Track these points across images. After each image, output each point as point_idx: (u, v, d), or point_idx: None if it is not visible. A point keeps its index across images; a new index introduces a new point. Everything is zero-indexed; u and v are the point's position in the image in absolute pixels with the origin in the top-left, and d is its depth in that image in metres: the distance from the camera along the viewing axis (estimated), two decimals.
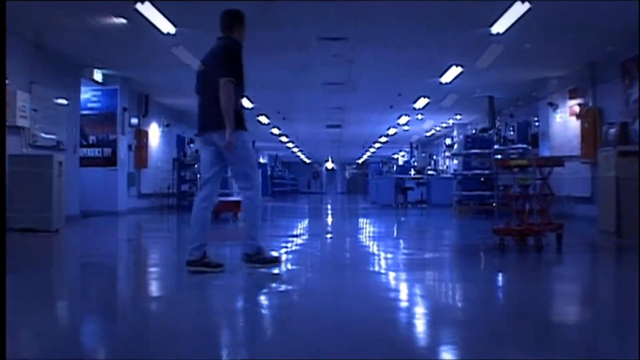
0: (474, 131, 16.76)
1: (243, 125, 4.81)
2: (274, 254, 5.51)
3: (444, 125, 21.14)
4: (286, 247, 7.44)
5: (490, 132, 14.51)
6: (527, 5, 7.59)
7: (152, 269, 6.05)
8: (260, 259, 4.90)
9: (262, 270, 4.88)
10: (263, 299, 4.14)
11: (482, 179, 13.18)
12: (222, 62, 4.73)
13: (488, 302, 4.10)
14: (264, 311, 3.81)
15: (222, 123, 4.62)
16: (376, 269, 5.82)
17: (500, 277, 5.40)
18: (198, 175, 15.09)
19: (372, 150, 34.80)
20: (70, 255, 7.20)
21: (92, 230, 9.99)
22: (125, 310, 3.89)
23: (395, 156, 37.50)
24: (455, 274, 5.62)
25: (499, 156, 11.36)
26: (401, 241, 8.67)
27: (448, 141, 22.22)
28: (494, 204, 12.78)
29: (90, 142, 12.84)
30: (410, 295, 4.37)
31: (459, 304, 4.13)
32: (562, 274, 5.59)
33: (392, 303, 3.98)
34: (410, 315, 3.66)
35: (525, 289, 4.61)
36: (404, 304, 3.99)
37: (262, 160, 33.71)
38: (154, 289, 4.82)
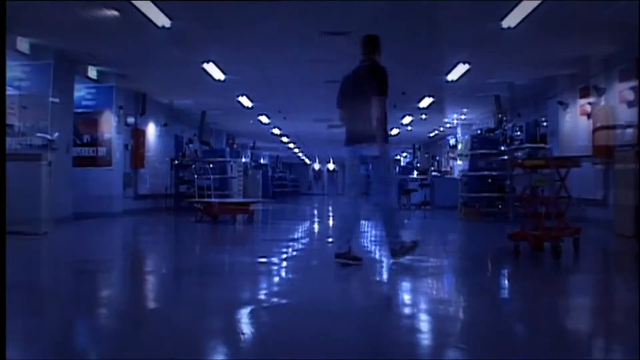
0: (479, 131, 16.37)
1: (388, 139, 5.48)
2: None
3: (448, 125, 20.75)
4: (286, 252, 7.08)
5: (497, 131, 14.12)
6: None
7: (143, 277, 5.66)
8: (404, 250, 5.52)
9: (407, 258, 5.51)
10: (247, 317, 3.74)
11: (490, 180, 12.80)
12: (380, 83, 5.39)
13: (523, 321, 3.71)
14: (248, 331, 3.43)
15: (372, 137, 5.34)
16: (377, 278, 5.43)
17: (527, 290, 4.95)
18: (195, 176, 14.73)
19: None
20: (54, 260, 6.71)
21: (82, 233, 9.57)
22: (106, 323, 3.50)
23: (398, 157, 37.16)
24: (475, 285, 5.15)
25: (506, 156, 10.97)
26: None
27: (452, 141, 21.85)
28: (500, 207, 12.42)
29: (85, 141, 12.44)
30: (423, 311, 3.97)
31: (484, 323, 3.72)
32: (590, 284, 5.15)
33: (402, 320, 3.59)
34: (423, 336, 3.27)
35: (558, 306, 4.11)
36: (415, 322, 3.59)
37: (262, 161, 33.39)
38: (147, 299, 4.43)
